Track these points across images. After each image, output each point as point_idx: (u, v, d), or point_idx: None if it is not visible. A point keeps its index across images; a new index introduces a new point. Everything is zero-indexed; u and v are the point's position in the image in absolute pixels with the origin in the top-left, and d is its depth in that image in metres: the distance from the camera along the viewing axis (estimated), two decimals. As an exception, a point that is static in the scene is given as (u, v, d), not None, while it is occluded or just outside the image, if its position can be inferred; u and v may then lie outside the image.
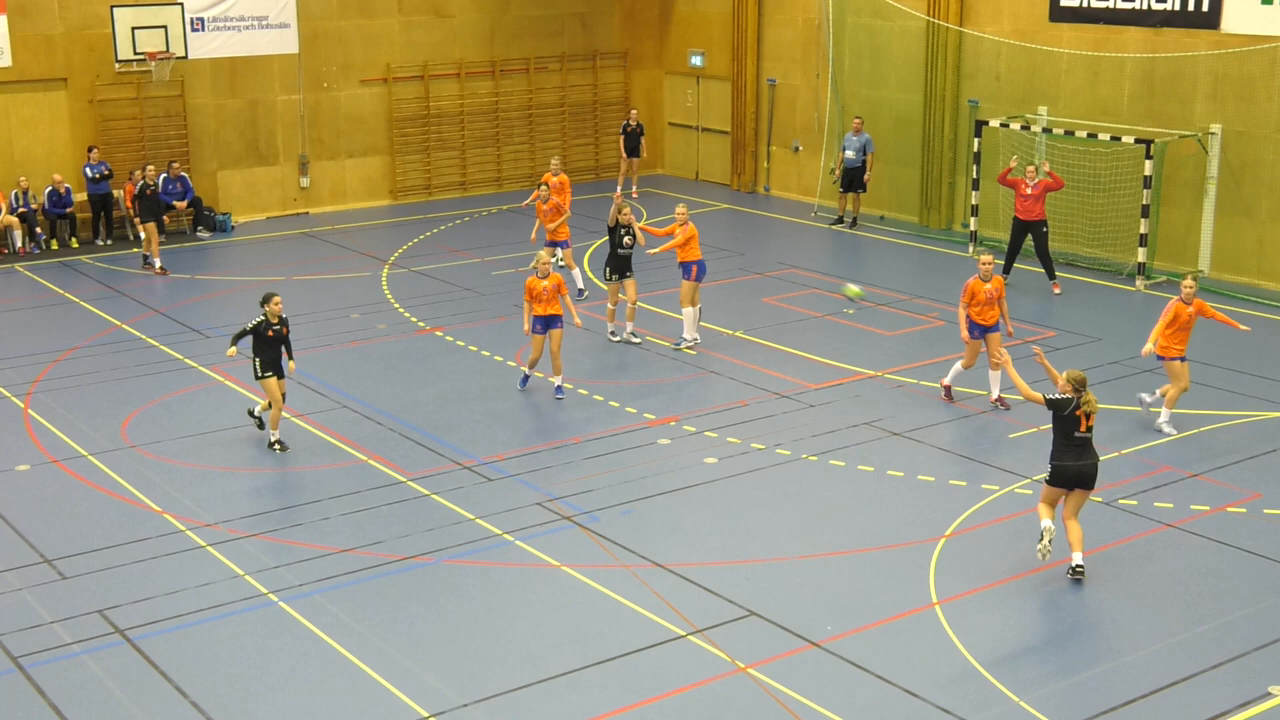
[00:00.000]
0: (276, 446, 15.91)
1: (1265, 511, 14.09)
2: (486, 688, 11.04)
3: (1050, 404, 12.66)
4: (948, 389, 17.34)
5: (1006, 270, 22.37)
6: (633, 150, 29.84)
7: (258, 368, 15.79)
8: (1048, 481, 12.77)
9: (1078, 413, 12.54)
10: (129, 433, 16.54)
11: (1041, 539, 12.45)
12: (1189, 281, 16.23)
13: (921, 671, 11.20)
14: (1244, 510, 14.12)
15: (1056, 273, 22.44)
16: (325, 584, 12.76)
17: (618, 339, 19.64)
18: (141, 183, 24.50)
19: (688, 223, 19.41)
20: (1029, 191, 21.85)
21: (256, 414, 16.27)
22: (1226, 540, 13.45)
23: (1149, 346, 16.10)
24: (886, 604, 12.31)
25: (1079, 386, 12.60)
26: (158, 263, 24.27)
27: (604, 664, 11.36)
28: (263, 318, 15.76)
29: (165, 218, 25.38)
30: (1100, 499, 14.35)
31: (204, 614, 12.23)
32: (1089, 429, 12.59)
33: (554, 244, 21.82)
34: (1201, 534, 13.60)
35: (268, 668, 11.42)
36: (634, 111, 30.38)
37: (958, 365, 17.29)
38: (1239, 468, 15.15)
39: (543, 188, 22.20)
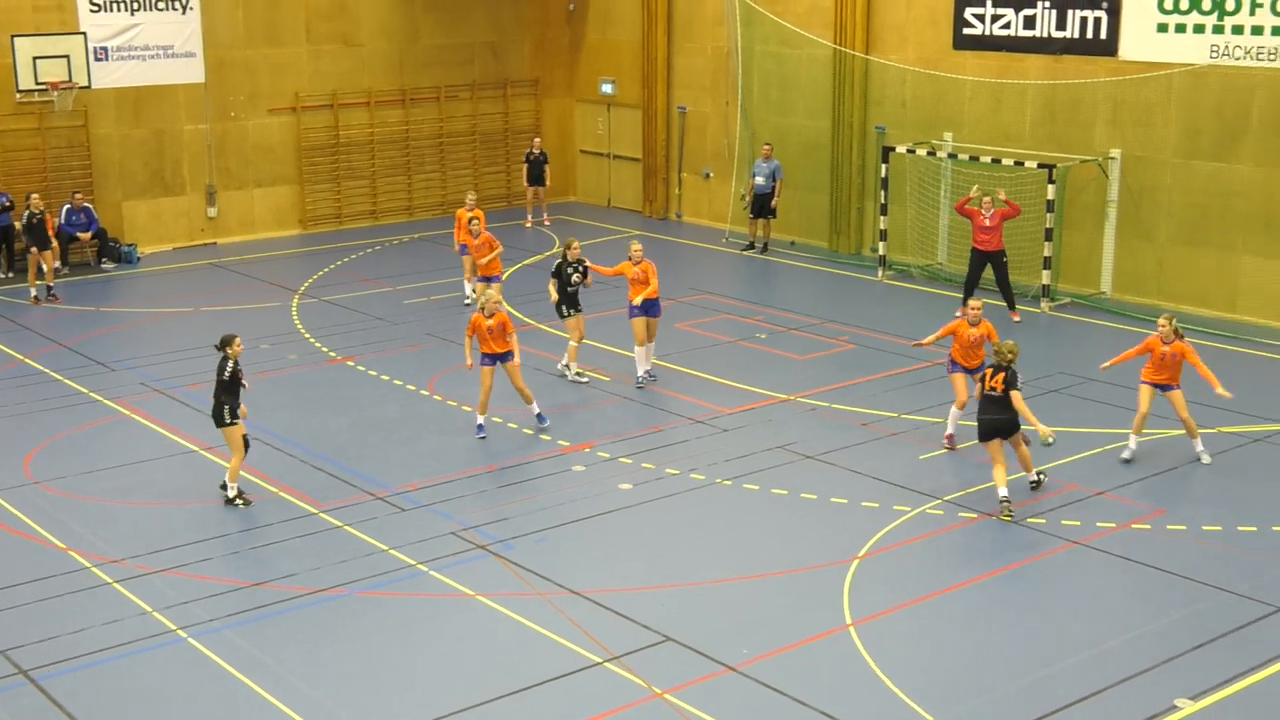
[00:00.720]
0: (240, 501, 15.15)
1: (1168, 527, 14.36)
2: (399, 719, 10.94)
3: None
4: (950, 438, 16.76)
5: (965, 301, 22.30)
6: (536, 179, 29.75)
7: (228, 414, 15.00)
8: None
9: (985, 370, 14.91)
10: (32, 469, 16.20)
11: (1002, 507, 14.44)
12: (1162, 320, 16.19)
13: (837, 693, 11.26)
14: (1148, 527, 14.39)
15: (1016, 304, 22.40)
16: (236, 619, 12.57)
17: (571, 377, 19.19)
18: (27, 212, 24.07)
19: (642, 260, 19.08)
20: (987, 222, 21.83)
21: (235, 498, 15.19)
22: (1132, 556, 13.70)
23: (1107, 364, 16.56)
24: (801, 627, 12.37)
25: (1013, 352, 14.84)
26: (32, 291, 23.84)
27: (520, 693, 11.30)
28: (232, 363, 15.01)
29: (57, 246, 24.99)
30: (1010, 518, 14.55)
31: (111, 652, 11.99)
32: (992, 389, 14.65)
33: (486, 279, 21.55)
34: (1108, 551, 13.84)
35: (178, 706, 11.22)
36: (537, 140, 30.36)
37: (953, 410, 16.74)
38: (1142, 485, 15.45)
39: (473, 222, 22.17)
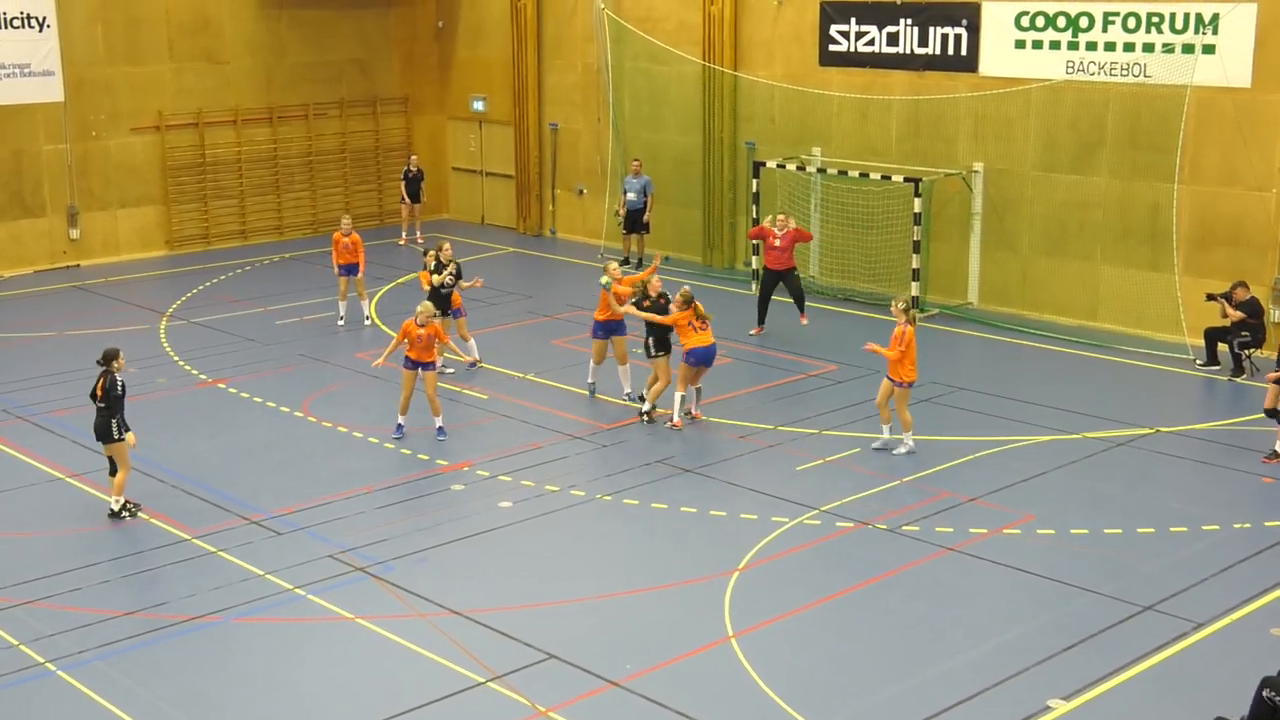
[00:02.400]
0: (128, 511, 15.02)
1: (1038, 532, 14.72)
2: (282, 748, 10.76)
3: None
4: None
5: (761, 319, 22.64)
6: (414, 196, 29.69)
7: (116, 430, 14.86)
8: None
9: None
10: (112, 507, 15.63)
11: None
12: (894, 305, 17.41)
13: (720, 705, 11.34)
14: (1019, 532, 14.73)
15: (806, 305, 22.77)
16: (107, 649, 12.26)
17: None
18: None
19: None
20: (778, 243, 22.05)
21: (121, 510, 15.07)
22: (1004, 561, 14.01)
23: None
24: (684, 640, 12.44)
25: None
26: None
27: (403, 715, 11.18)
28: (120, 377, 14.98)
29: None
30: (885, 526, 14.81)
31: (-24, 688, 11.62)
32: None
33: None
34: (981, 556, 14.14)
35: (47, 741, 10.91)
36: (414, 157, 30.25)
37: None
38: (1012, 490, 15.81)
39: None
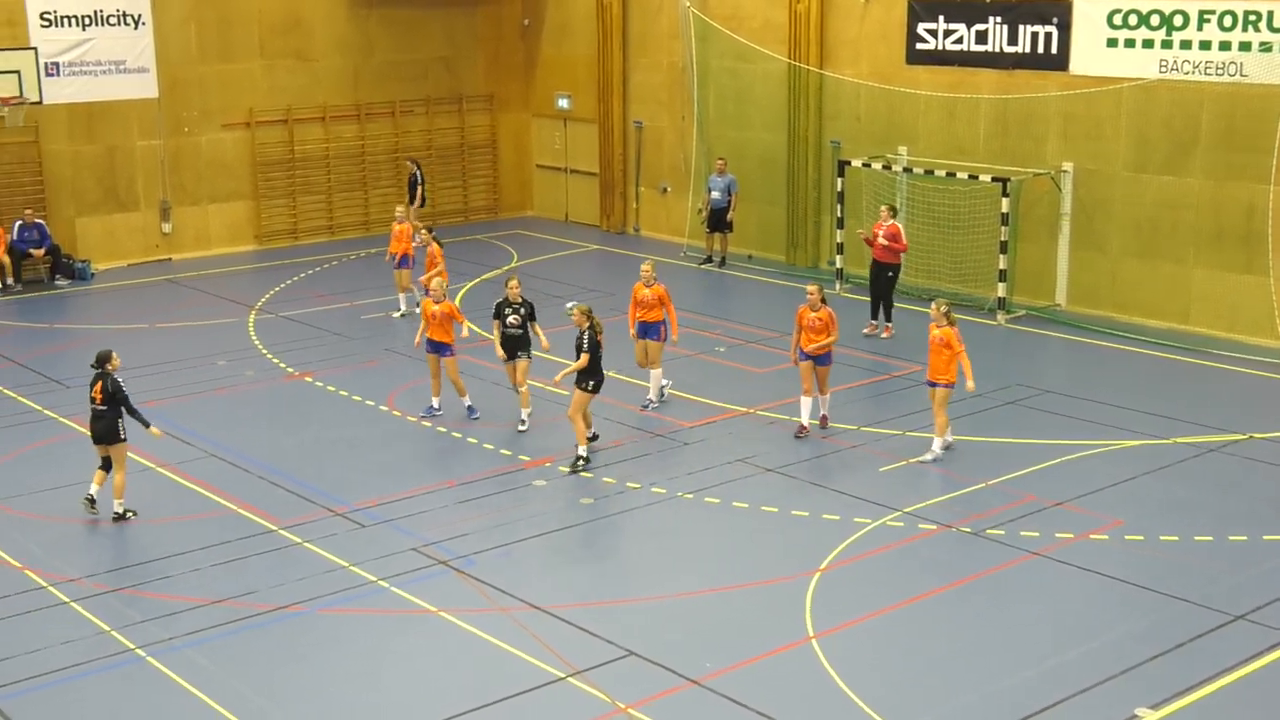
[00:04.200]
0: (129, 514, 15.15)
1: (1126, 538, 14.49)
2: (364, 738, 10.88)
3: (587, 342, 16.32)
4: (803, 428, 17.52)
5: (875, 314, 22.63)
6: (413, 198, 29.09)
7: (122, 430, 15.05)
8: (595, 390, 16.50)
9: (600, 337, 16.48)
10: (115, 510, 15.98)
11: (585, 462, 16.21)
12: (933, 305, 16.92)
13: (801, 706, 11.28)
14: (1106, 537, 14.51)
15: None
16: (195, 637, 12.46)
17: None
18: None
19: (654, 283, 18.51)
20: (880, 235, 22.09)
21: (124, 512, 15.19)
22: (1090, 566, 13.80)
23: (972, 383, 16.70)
24: (764, 640, 12.39)
25: (590, 315, 16.49)
26: None
27: (484, 709, 11.25)
28: (118, 377, 15.13)
29: (9, 263, 25.19)
30: (969, 529, 14.66)
31: (68, 672, 11.85)
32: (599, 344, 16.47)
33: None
34: (1066, 561, 13.95)
35: (136, 726, 11.12)
36: (411, 161, 29.53)
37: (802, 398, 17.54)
38: (1100, 495, 15.58)
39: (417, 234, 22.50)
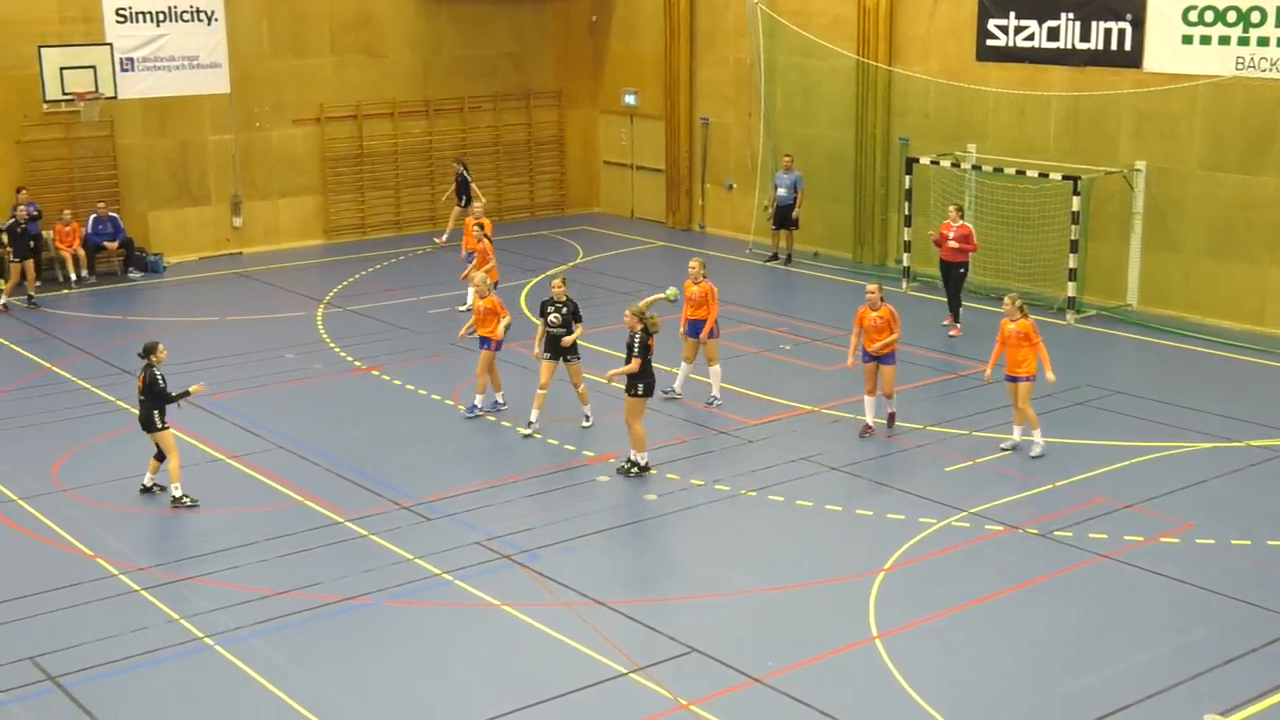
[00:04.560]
0: (187, 499, 15.40)
1: (1197, 541, 14.28)
2: (427, 729, 10.95)
3: (639, 345, 15.77)
4: (867, 426, 17.45)
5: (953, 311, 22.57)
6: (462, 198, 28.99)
7: (159, 419, 15.33)
8: (645, 395, 15.94)
9: (650, 341, 15.92)
10: (60, 476, 16.27)
11: (646, 464, 15.93)
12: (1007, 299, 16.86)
13: (864, 706, 11.22)
14: (1177, 540, 14.31)
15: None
16: (262, 627, 12.59)
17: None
18: (12, 220, 24.23)
19: (701, 280, 18.41)
20: (951, 235, 21.96)
21: (181, 496, 15.48)
22: (1160, 570, 13.62)
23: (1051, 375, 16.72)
24: (827, 639, 12.34)
25: (642, 316, 15.90)
26: (3, 299, 24.07)
27: (545, 703, 11.29)
28: (159, 371, 15.36)
29: (79, 252, 25.82)
30: (1036, 531, 14.52)
31: (138, 659, 12.02)
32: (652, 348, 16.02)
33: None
34: (1136, 564, 13.77)
35: (203, 713, 11.25)
36: (458, 162, 29.34)
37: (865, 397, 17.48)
38: (1171, 498, 15.36)
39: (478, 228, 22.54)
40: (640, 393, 16.01)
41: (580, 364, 17.82)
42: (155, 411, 15.31)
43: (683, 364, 18.89)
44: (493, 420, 18.09)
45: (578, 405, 18.01)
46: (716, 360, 18.68)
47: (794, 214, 27.04)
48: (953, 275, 22.26)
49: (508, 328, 18.18)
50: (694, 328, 18.49)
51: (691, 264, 18.81)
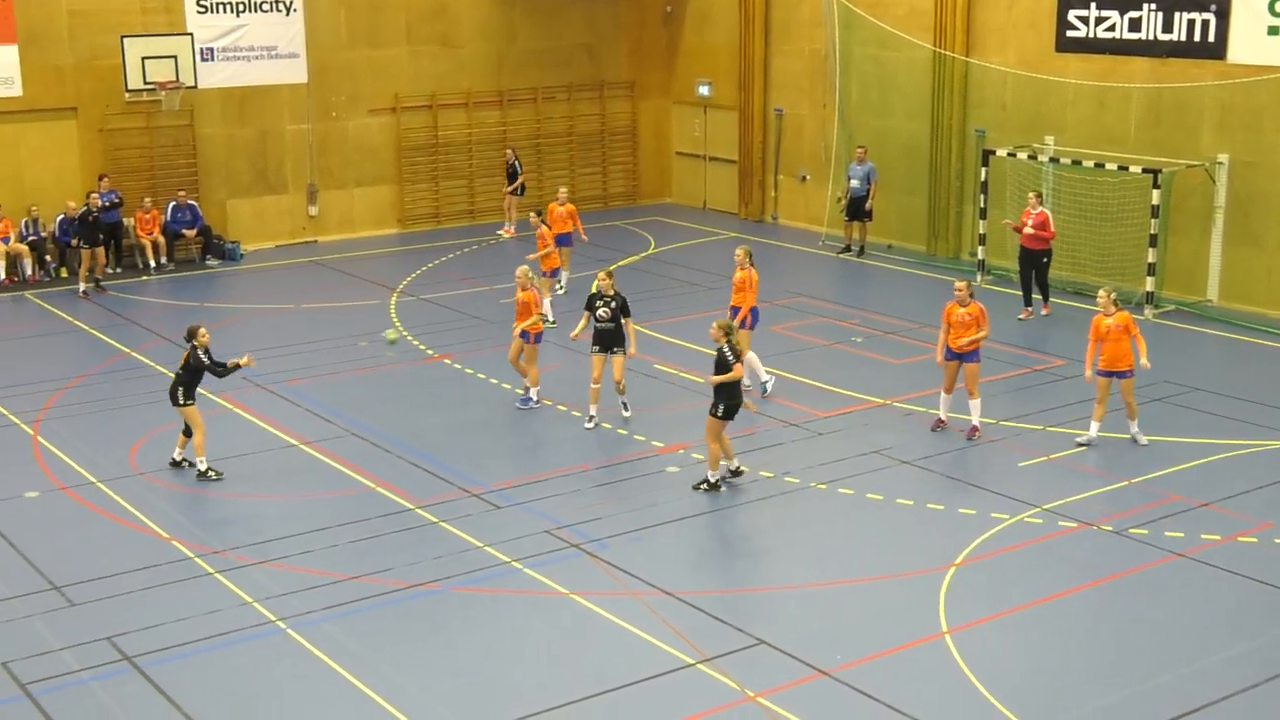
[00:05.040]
0: (213, 474, 15.85)
1: (1276, 541, 14.03)
2: (494, 716, 11.00)
3: (729, 355, 14.99)
4: (940, 420, 17.29)
5: (1026, 301, 22.45)
6: (512, 190, 29.12)
7: (182, 396, 15.84)
8: (724, 417, 15.09)
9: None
10: (137, 460, 16.54)
11: (716, 481, 15.26)
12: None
13: (932, 701, 11.14)
14: (1255, 540, 14.07)
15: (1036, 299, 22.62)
16: (333, 611, 12.73)
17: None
18: (84, 208, 24.61)
19: (744, 268, 18.26)
20: (1029, 225, 21.99)
21: (206, 470, 15.93)
22: (1237, 570, 13.40)
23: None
24: (896, 633, 12.27)
25: (728, 332, 15.07)
26: (81, 286, 24.50)
27: (612, 692, 11.32)
28: (202, 353, 15.84)
29: (163, 244, 26.32)
30: (1110, 528, 14.33)
31: (212, 641, 12.20)
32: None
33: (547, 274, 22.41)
34: (1212, 564, 13.55)
35: (275, 695, 11.40)
36: (510, 150, 29.52)
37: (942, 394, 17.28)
38: (1249, 497, 15.10)
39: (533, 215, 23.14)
40: (720, 414, 15.15)
41: (624, 358, 17.56)
42: (181, 388, 15.83)
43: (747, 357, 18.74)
44: (563, 410, 18.13)
45: (644, 394, 17.98)
46: (746, 350, 18.23)
47: (867, 205, 26.86)
48: (1035, 263, 22.11)
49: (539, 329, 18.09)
50: (735, 316, 18.34)
51: (737, 251, 18.60)
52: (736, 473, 15.69)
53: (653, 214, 31.46)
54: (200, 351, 15.82)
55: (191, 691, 11.38)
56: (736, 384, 15.19)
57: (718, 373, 15.15)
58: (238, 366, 16.19)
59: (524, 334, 17.92)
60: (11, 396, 18.90)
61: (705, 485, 15.51)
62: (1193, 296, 23.12)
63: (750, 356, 18.50)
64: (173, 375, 16.16)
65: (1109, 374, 16.35)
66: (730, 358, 15.06)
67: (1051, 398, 18.44)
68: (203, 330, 16.01)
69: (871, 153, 27.02)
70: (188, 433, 16.09)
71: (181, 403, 15.86)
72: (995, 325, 21.32)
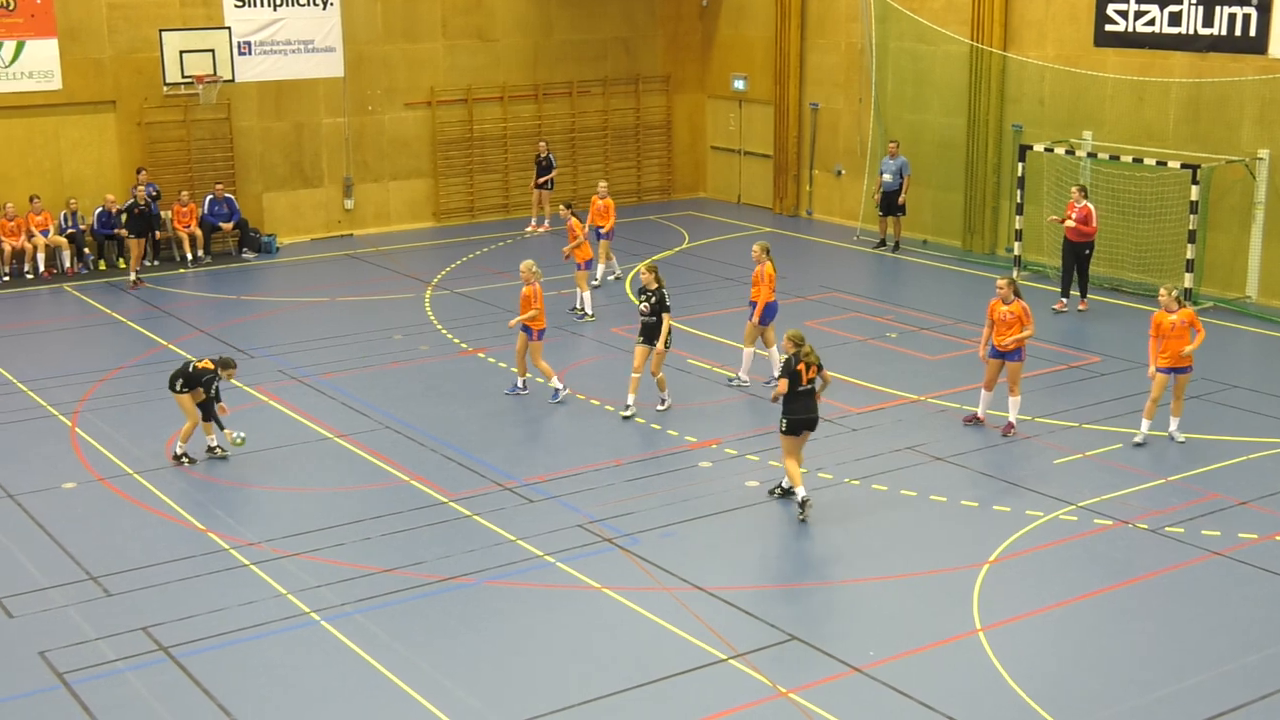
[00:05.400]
0: (186, 459, 16.21)
1: (1315, 540, 13.91)
2: (526, 709, 11.02)
3: (783, 365, 14.55)
4: (976, 416, 17.26)
5: (1065, 292, 22.45)
6: (542, 184, 29.12)
7: (180, 385, 16.10)
8: (785, 432, 14.47)
9: (799, 366, 14.37)
10: (174, 451, 16.63)
11: (804, 506, 14.36)
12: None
13: (965, 699, 11.10)
14: (1293, 539, 13.95)
15: (1074, 293, 22.67)
16: (366, 604, 12.78)
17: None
18: (131, 200, 24.79)
19: (760, 260, 18.63)
20: (1072, 217, 22.06)
21: (182, 455, 16.30)
22: (1275, 569, 13.27)
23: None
24: (929, 630, 12.22)
25: (798, 343, 14.50)
26: (132, 275, 24.81)
27: (644, 687, 11.32)
28: (219, 383, 16.24)
29: (203, 235, 26.62)
30: (1146, 526, 14.23)
31: (246, 632, 12.27)
32: (810, 381, 14.46)
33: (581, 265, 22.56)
34: (1249, 562, 13.43)
35: (309, 686, 11.45)
36: (543, 143, 29.63)
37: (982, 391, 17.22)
38: (1288, 496, 14.97)
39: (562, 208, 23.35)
40: (783, 429, 14.57)
41: (664, 351, 17.59)
42: (180, 379, 16.03)
43: (744, 349, 18.91)
44: (596, 404, 18.14)
45: (683, 390, 17.96)
46: (750, 344, 18.65)
47: (900, 200, 26.76)
48: (1077, 255, 22.16)
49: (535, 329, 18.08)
50: (754, 309, 18.63)
51: (754, 246, 18.92)
52: (797, 499, 14.47)
53: (687, 208, 31.43)
54: (219, 384, 16.16)
55: (226, 682, 11.45)
56: (805, 396, 14.49)
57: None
58: (218, 412, 16.27)
59: (526, 329, 18.01)
60: (50, 388, 19.06)
61: (779, 490, 14.95)
62: (1232, 293, 22.92)
63: (747, 351, 18.63)
64: (184, 364, 16.32)
65: (1170, 370, 16.18)
66: (791, 371, 14.41)
67: (1088, 394, 18.32)
68: (235, 369, 16.39)
69: (907, 148, 26.90)
70: (207, 417, 16.25)
71: (178, 390, 16.10)
72: (1038, 319, 21.25)
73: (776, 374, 14.91)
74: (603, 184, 24.94)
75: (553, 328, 21.79)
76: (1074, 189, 22.28)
